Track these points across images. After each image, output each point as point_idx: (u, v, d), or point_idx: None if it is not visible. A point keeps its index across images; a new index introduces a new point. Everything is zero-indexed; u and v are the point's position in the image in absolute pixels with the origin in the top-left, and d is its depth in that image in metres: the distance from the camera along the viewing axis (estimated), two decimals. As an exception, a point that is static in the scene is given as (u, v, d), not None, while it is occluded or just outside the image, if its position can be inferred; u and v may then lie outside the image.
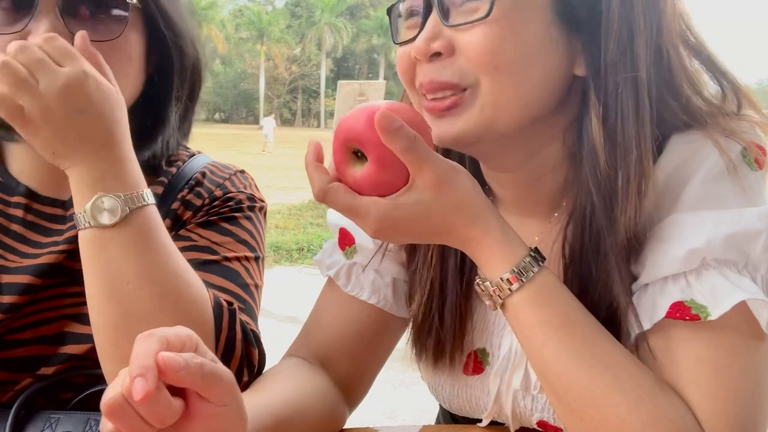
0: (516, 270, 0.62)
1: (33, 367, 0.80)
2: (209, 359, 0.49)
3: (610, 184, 0.66)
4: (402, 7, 0.73)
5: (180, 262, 0.74)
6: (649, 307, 0.64)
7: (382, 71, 57.61)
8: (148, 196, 0.73)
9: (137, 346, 0.46)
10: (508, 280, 0.63)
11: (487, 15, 0.63)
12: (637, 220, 0.66)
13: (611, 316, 0.67)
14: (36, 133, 0.68)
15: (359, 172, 0.62)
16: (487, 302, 0.65)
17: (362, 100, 8.70)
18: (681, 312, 0.62)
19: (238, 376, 0.76)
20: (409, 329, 0.87)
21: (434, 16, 0.67)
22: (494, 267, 0.63)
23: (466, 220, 0.63)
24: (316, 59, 60.32)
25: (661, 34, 0.66)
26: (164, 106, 0.86)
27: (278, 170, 14.44)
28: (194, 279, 0.74)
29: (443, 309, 0.81)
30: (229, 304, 0.78)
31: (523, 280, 0.62)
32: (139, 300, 0.69)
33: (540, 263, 0.63)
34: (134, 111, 0.81)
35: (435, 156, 0.62)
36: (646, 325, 0.64)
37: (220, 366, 0.49)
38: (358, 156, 0.63)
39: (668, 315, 0.62)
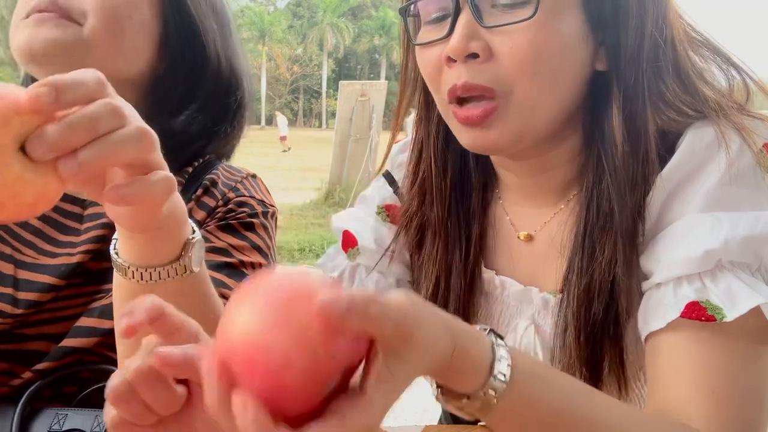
0: (495, 373, 0.46)
1: (33, 361, 0.80)
2: None
3: (625, 173, 0.67)
4: (420, 7, 0.71)
5: (216, 299, 0.67)
6: (662, 307, 0.64)
7: (384, 71, 57.50)
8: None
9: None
10: (492, 387, 0.46)
11: (533, 15, 0.62)
12: (645, 204, 0.67)
13: (611, 305, 0.68)
14: None
15: None
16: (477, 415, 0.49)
17: (364, 100, 8.69)
18: (697, 312, 0.61)
19: None
20: None
21: (467, 17, 0.65)
22: (476, 377, 0.46)
23: (447, 345, 0.44)
24: (317, 60, 60.22)
25: (667, 27, 0.67)
26: (169, 102, 0.87)
27: (279, 171, 14.43)
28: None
29: (447, 303, 0.81)
30: None
31: (504, 376, 0.47)
32: None
33: (504, 345, 0.49)
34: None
35: (388, 307, 0.39)
36: (659, 324, 0.64)
37: None
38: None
39: (683, 315, 0.62)
